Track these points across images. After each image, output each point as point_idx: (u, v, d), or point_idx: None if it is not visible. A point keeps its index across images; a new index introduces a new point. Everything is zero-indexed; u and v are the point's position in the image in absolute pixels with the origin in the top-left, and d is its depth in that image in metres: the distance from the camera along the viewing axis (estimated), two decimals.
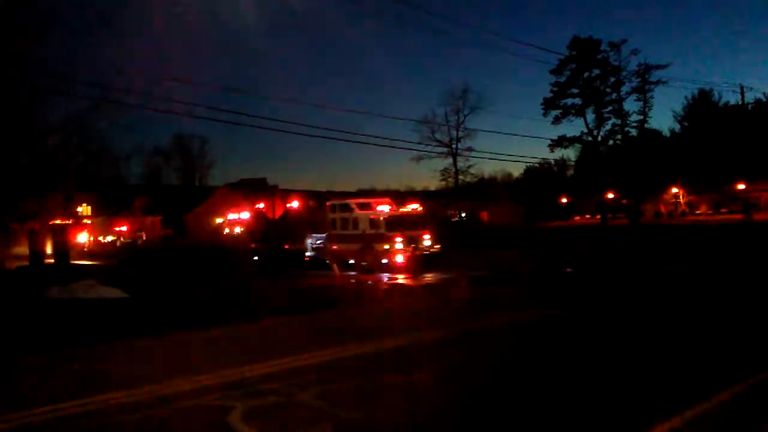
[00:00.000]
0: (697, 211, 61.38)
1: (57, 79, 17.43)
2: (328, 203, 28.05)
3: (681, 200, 61.81)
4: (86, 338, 9.74)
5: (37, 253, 28.22)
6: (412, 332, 9.46)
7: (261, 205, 32.38)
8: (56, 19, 17.70)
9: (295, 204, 34.63)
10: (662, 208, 63.29)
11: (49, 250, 30.73)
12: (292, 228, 33.06)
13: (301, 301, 14.00)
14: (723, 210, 57.88)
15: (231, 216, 34.62)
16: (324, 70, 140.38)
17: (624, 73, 53.69)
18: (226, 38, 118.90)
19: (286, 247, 29.33)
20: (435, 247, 24.18)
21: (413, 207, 26.75)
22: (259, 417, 5.46)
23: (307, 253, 26.97)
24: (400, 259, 22.88)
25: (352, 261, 24.61)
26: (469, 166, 57.49)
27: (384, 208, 24.74)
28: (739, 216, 45.12)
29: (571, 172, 61.42)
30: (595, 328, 9.69)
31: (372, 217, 24.38)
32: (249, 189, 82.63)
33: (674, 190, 59.83)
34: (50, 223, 29.63)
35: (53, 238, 30.84)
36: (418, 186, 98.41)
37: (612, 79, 54.41)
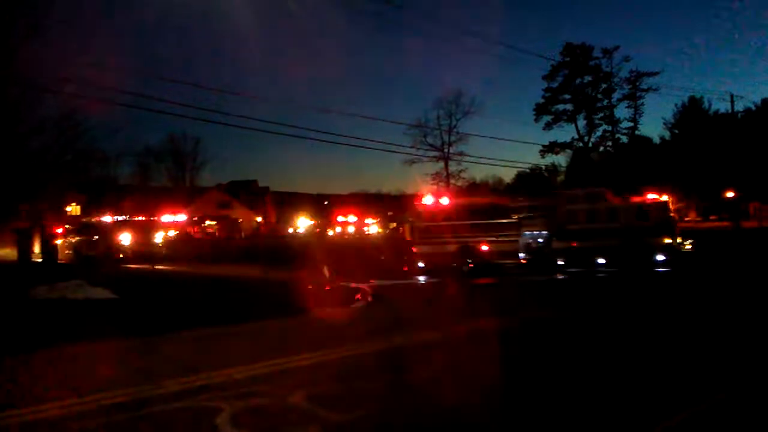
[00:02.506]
0: (686, 218, 61.79)
1: (47, 77, 17.35)
2: (564, 193, 24.62)
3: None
4: (71, 337, 9.65)
5: (26, 252, 27.99)
6: None
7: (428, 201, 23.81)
8: (46, 18, 17.59)
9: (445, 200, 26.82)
10: None
11: (37, 249, 30.45)
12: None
13: None
14: (712, 217, 58.30)
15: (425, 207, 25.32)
16: (316, 72, 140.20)
17: (615, 80, 54.29)
18: (219, 40, 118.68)
19: (483, 247, 23.39)
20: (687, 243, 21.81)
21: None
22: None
23: (521, 254, 22.63)
24: (660, 257, 20.70)
25: (602, 260, 21.62)
26: (461, 171, 57.68)
27: (652, 197, 22.18)
28: (727, 223, 45.46)
29: (561, 177, 61.72)
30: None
31: (643, 207, 21.71)
32: (240, 191, 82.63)
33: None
34: (41, 222, 29.47)
35: (41, 237, 30.57)
36: (410, 190, 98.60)
37: (604, 86, 54.97)
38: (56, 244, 31.68)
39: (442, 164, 57.09)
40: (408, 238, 24.86)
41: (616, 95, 54.92)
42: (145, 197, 56.60)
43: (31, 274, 20.35)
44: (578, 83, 55.43)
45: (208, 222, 66.42)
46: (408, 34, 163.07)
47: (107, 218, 38.55)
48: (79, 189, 38.11)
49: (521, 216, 23.13)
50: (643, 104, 54.85)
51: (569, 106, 56.25)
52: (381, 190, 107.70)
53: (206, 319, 11.71)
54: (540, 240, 22.65)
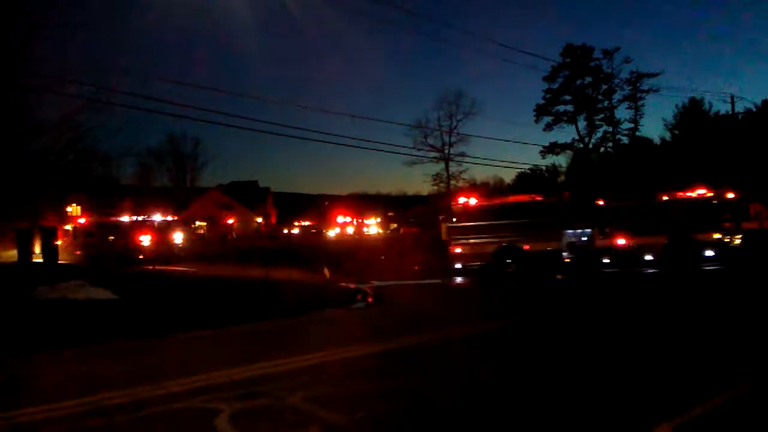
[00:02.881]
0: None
1: (48, 77, 17.33)
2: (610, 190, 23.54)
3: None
4: (72, 339, 9.67)
5: (27, 253, 28.00)
6: None
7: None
8: (48, 17, 17.59)
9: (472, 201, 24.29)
10: None
11: (38, 249, 30.45)
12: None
13: None
14: None
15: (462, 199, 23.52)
16: (317, 73, 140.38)
17: (616, 81, 54.21)
18: (220, 40, 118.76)
19: (526, 248, 22.25)
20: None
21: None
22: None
23: (565, 254, 21.85)
24: (709, 252, 20.23)
25: (649, 257, 20.90)
26: (462, 171, 57.61)
27: (700, 192, 21.60)
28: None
29: (562, 178, 61.70)
30: None
31: (695, 202, 21.11)
32: (240, 191, 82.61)
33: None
34: (41, 223, 29.42)
35: (42, 238, 30.55)
36: (410, 190, 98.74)
37: (604, 87, 54.91)
38: (57, 244, 31.61)
39: (442, 165, 57.03)
40: (444, 238, 24.23)
41: (616, 96, 54.90)
42: (146, 198, 56.58)
43: (32, 275, 20.36)
44: (579, 84, 55.41)
45: (198, 222, 66.43)
46: (409, 35, 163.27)
47: (125, 218, 37.83)
48: (80, 189, 37.93)
49: (563, 214, 22.46)
50: (643, 105, 54.79)
51: (570, 107, 56.22)
52: (380, 191, 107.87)
53: (206, 320, 11.72)
54: (584, 238, 22.07)
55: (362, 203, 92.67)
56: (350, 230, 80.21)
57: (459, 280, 21.63)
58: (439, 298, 16.96)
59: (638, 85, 53.49)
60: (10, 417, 5.61)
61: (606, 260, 21.51)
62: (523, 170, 62.07)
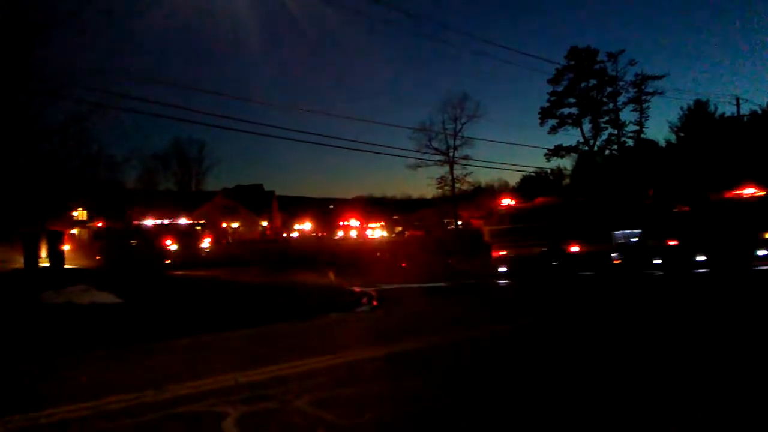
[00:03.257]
0: None
1: (55, 82, 17.44)
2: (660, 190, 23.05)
3: None
4: (78, 344, 9.68)
5: (33, 257, 28.04)
6: None
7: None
8: (55, 22, 17.70)
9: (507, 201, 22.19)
10: None
11: (44, 253, 30.49)
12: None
13: None
14: None
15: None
16: (322, 76, 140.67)
17: (621, 83, 54.16)
18: (224, 44, 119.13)
19: (573, 248, 21.55)
20: None
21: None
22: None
23: (614, 254, 21.23)
24: (762, 252, 19.79)
25: (701, 258, 20.19)
26: (466, 174, 57.62)
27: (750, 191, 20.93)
28: None
29: (567, 181, 61.62)
30: None
31: (744, 201, 20.34)
32: (245, 195, 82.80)
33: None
34: (48, 226, 29.45)
35: (48, 242, 30.59)
36: (415, 194, 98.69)
37: (609, 89, 54.87)
38: (63, 249, 31.63)
39: (447, 168, 57.05)
40: (486, 240, 24.03)
41: (621, 99, 54.84)
42: (152, 202, 56.67)
43: (39, 279, 20.40)
44: (583, 87, 55.35)
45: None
46: (413, 38, 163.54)
47: (148, 222, 36.88)
48: (86, 194, 37.90)
49: (612, 214, 22.05)
50: (648, 108, 54.74)
51: (574, 110, 56.18)
52: (386, 194, 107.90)
53: (211, 323, 11.74)
54: (633, 239, 21.59)
55: (368, 206, 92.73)
56: (353, 234, 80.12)
57: (497, 280, 21.04)
58: (446, 302, 16.91)
59: (643, 87, 53.45)
60: (14, 421, 5.60)
61: (657, 261, 20.96)
62: (527, 173, 62.03)
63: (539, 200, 24.66)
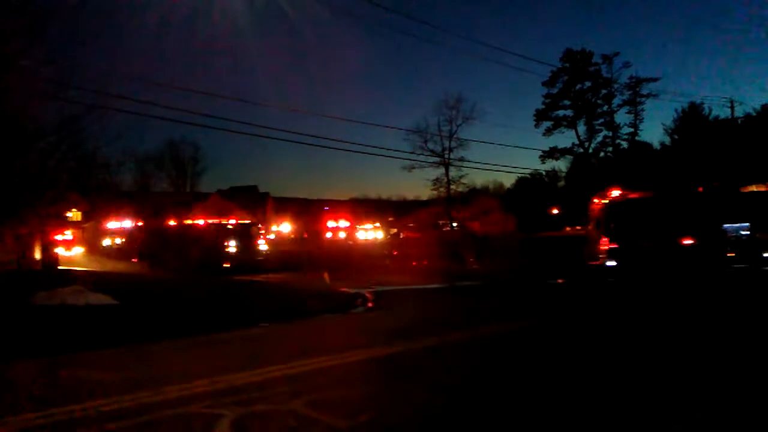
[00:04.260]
0: None
1: (48, 83, 17.34)
2: None
3: None
4: (72, 345, 9.62)
5: (26, 258, 27.88)
6: None
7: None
8: (49, 23, 17.60)
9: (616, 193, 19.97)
10: None
11: (38, 255, 30.31)
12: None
13: None
14: None
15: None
16: (315, 77, 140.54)
17: (615, 86, 54.55)
18: (218, 45, 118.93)
19: (688, 241, 20.08)
20: None
21: None
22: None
23: (726, 248, 20.15)
24: None
25: None
26: (461, 176, 57.74)
27: None
28: None
29: (562, 183, 61.86)
30: None
31: None
32: (240, 196, 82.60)
33: None
34: (42, 228, 29.25)
35: (42, 244, 30.40)
36: (410, 195, 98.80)
37: (604, 92, 55.26)
38: (56, 251, 31.40)
39: (442, 170, 57.16)
40: (592, 232, 23.03)
41: (616, 101, 55.29)
42: (148, 202, 56.46)
43: (31, 281, 20.27)
44: (578, 89, 55.70)
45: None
46: (408, 39, 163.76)
47: (200, 221, 33.78)
48: (80, 194, 37.57)
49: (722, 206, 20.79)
50: (643, 110, 55.24)
51: (569, 112, 56.53)
52: (381, 195, 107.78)
53: (207, 324, 11.68)
54: (743, 232, 20.44)
55: (363, 207, 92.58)
56: (342, 235, 79.33)
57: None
58: (443, 303, 16.91)
59: (638, 89, 53.85)
60: (7, 423, 5.55)
61: (767, 255, 19.88)
62: (523, 175, 62.27)
63: (652, 191, 23.04)
